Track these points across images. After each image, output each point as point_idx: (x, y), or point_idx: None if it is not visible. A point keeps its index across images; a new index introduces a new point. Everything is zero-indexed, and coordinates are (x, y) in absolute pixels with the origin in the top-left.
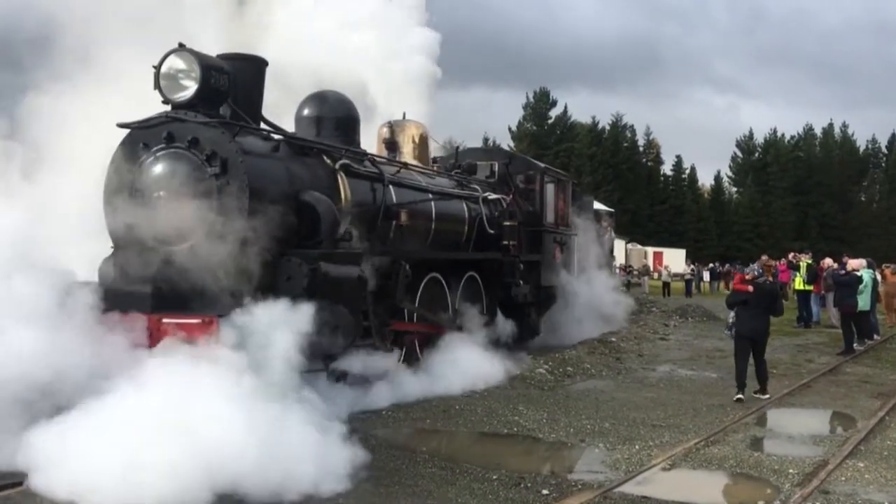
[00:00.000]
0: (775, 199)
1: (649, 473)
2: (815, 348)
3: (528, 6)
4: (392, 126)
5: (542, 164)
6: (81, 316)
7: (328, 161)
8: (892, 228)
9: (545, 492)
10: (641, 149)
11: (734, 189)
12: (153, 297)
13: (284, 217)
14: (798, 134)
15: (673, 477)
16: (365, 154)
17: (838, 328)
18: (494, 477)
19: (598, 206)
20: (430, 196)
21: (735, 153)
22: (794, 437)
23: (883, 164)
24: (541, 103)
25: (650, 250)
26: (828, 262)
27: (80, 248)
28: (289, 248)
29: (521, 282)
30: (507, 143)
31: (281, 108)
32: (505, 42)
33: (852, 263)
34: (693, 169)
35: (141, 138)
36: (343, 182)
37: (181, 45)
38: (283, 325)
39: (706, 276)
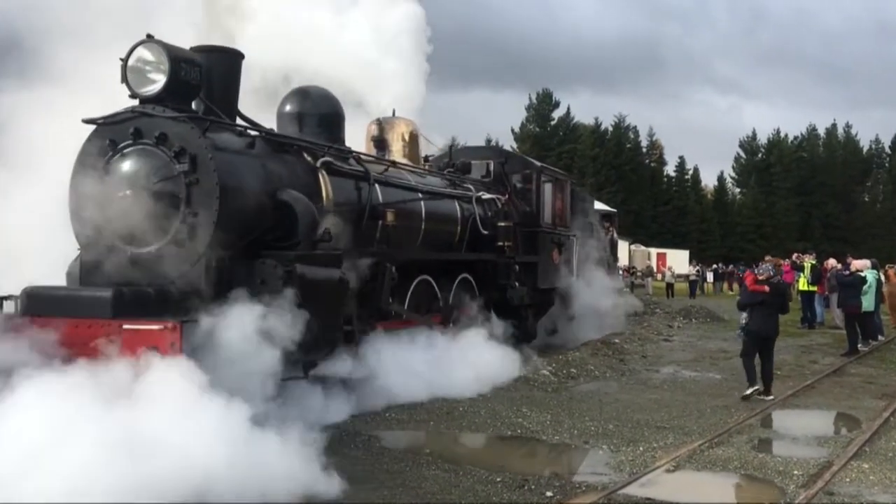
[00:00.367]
0: (779, 200)
1: (653, 475)
2: (820, 349)
3: (529, 7)
4: (381, 123)
5: (539, 163)
6: None
7: (309, 159)
8: (895, 229)
9: (549, 494)
10: (644, 150)
11: (737, 190)
12: (114, 301)
13: (259, 217)
14: (801, 134)
15: (677, 479)
16: (350, 151)
17: (842, 329)
18: (498, 479)
19: (599, 206)
20: (420, 195)
21: (738, 154)
22: (798, 439)
23: (886, 165)
24: (543, 104)
25: (653, 251)
26: (831, 262)
27: (48, 250)
28: (264, 249)
29: (517, 284)
30: (509, 144)
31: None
32: (507, 43)
33: (856, 264)
34: (696, 170)
35: (107, 134)
36: (324, 180)
37: (149, 37)
38: (253, 330)
39: (710, 276)
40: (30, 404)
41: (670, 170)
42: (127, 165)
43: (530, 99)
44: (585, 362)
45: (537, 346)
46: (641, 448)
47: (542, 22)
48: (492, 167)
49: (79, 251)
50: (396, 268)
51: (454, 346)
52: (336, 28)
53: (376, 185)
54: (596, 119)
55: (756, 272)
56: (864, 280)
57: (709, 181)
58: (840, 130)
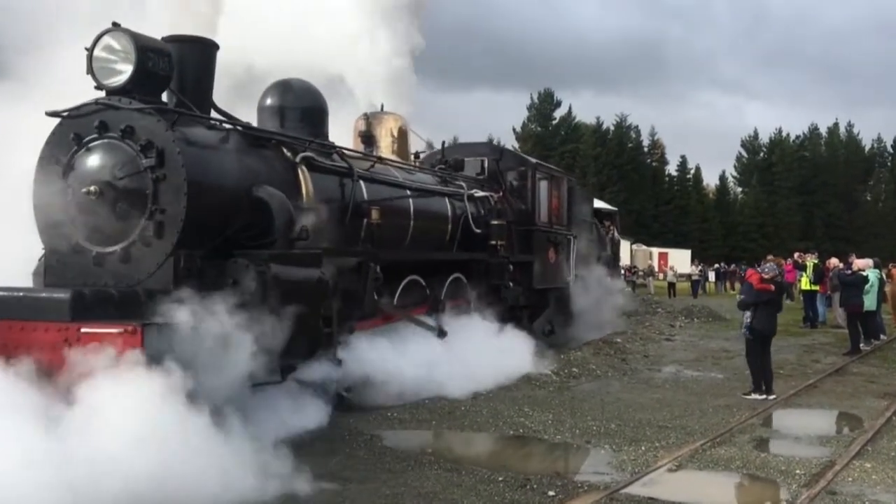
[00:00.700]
0: (780, 199)
1: (655, 474)
2: (822, 348)
3: (531, 7)
4: (368, 118)
5: (534, 160)
6: None
7: (288, 154)
8: None
9: (551, 493)
10: (646, 149)
11: (739, 189)
12: (73, 303)
13: (232, 214)
14: (803, 134)
15: (679, 478)
16: (333, 147)
17: (844, 328)
18: (500, 478)
19: (600, 204)
20: (408, 193)
21: (740, 153)
22: (800, 438)
23: (888, 164)
24: (545, 104)
25: (655, 251)
26: (833, 261)
27: (14, 249)
28: (238, 248)
29: (511, 284)
30: (511, 144)
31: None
32: (509, 43)
33: (858, 263)
34: (698, 169)
35: (72, 128)
36: (305, 176)
37: (115, 25)
38: (222, 333)
39: (711, 276)
40: None
41: (672, 169)
42: (92, 160)
43: (532, 98)
44: (587, 362)
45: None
46: (643, 447)
47: (544, 21)
48: (486, 164)
49: (44, 251)
50: (382, 267)
51: (440, 345)
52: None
53: (361, 182)
54: (597, 119)
55: (761, 271)
56: (866, 279)
57: (710, 181)
58: (842, 129)
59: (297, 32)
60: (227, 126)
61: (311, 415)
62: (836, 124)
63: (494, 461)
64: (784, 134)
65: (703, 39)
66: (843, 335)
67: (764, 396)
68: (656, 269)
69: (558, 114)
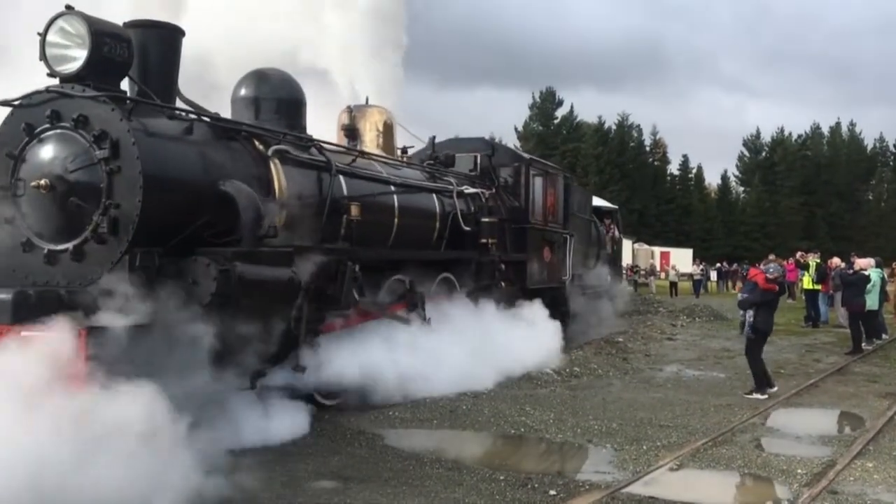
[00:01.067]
0: (783, 199)
1: (657, 474)
2: (823, 348)
3: (533, 6)
4: (352, 111)
5: (528, 156)
6: None
7: (260, 147)
8: None
9: (552, 492)
10: (648, 148)
11: (741, 188)
12: (14, 304)
13: (195, 210)
14: (805, 133)
15: (681, 477)
16: (311, 140)
17: (846, 328)
18: (501, 477)
19: (600, 202)
20: (393, 189)
21: (742, 152)
22: (802, 438)
23: (891, 163)
24: (547, 103)
25: (657, 250)
26: (835, 261)
27: None
28: (201, 246)
29: (503, 284)
30: (513, 142)
31: None
32: (511, 42)
33: (860, 263)
34: (700, 168)
35: (24, 118)
36: (277, 170)
37: (69, 8)
38: (177, 337)
39: (713, 275)
40: None
41: (674, 168)
42: (44, 152)
43: (534, 97)
44: (589, 361)
45: None
46: (645, 446)
47: (546, 20)
48: (478, 160)
49: None
50: (362, 266)
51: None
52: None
53: (340, 177)
54: (599, 118)
55: (766, 271)
56: (868, 279)
57: (712, 180)
58: (844, 129)
59: (279, 22)
60: (192, 116)
61: (286, 422)
62: (838, 123)
63: (496, 460)
64: (786, 133)
65: (705, 38)
66: (845, 335)
67: (766, 395)
68: (658, 268)
69: (560, 112)
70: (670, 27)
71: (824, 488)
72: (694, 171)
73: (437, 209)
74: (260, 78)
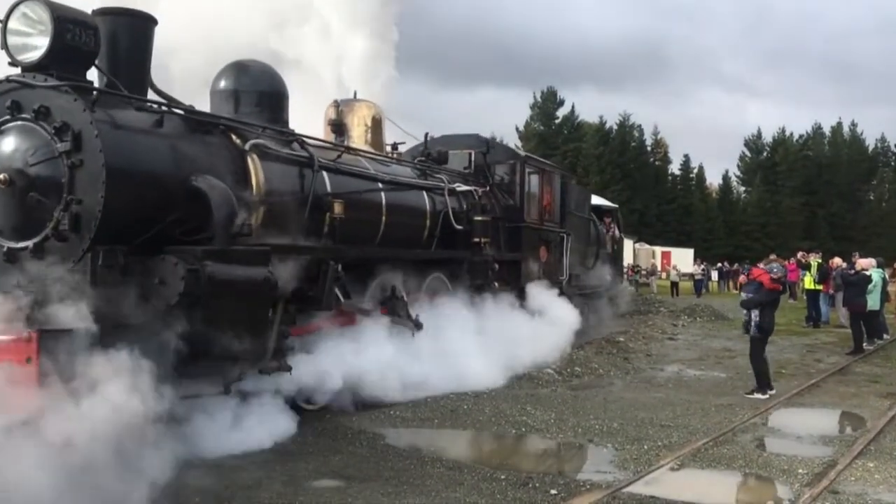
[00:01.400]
0: (784, 199)
1: (658, 473)
2: (825, 348)
3: (534, 5)
4: (339, 105)
5: (524, 153)
6: None
7: (237, 141)
8: None
9: (553, 492)
10: (649, 148)
11: (742, 188)
12: None
13: (164, 206)
14: (807, 133)
15: (681, 477)
16: (293, 134)
17: (847, 328)
18: (502, 477)
19: (599, 201)
20: (380, 185)
21: (743, 152)
22: (803, 437)
23: (892, 163)
24: (548, 103)
25: (658, 250)
26: (837, 261)
27: None
28: (170, 244)
29: (496, 284)
30: (514, 142)
31: None
32: (512, 42)
33: (862, 263)
34: (701, 168)
35: None
36: (255, 166)
37: None
38: (137, 341)
39: (714, 275)
40: None
41: (675, 168)
42: (4, 145)
43: (535, 97)
44: (590, 361)
45: None
46: (646, 446)
47: (547, 20)
48: (473, 157)
49: None
50: (347, 266)
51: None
52: None
53: (324, 173)
54: (601, 117)
55: (769, 270)
56: (869, 279)
57: (713, 180)
58: (846, 129)
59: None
60: (164, 108)
61: (265, 429)
62: (839, 123)
63: (496, 459)
64: (787, 133)
65: (706, 37)
66: (846, 335)
67: (767, 395)
68: (659, 268)
69: (561, 112)
70: (671, 27)
71: (825, 488)
72: (695, 171)
73: (428, 207)
74: (240, 70)
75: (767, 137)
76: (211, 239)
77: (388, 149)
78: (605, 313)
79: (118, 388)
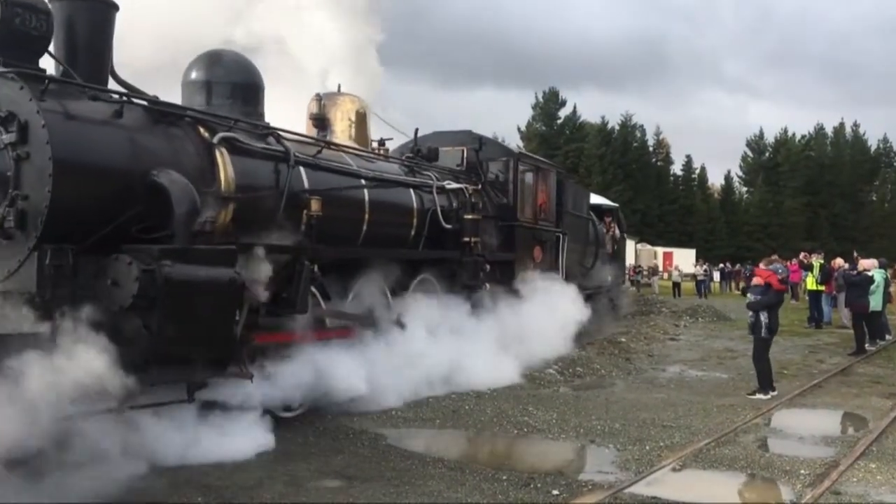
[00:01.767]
0: (786, 199)
1: (659, 474)
2: (827, 349)
3: (536, 5)
4: (321, 99)
5: (518, 150)
6: None
7: (206, 134)
8: None
9: (555, 492)
10: (651, 149)
11: (744, 189)
12: None
13: (120, 202)
14: (809, 133)
15: (683, 477)
16: (268, 128)
17: (849, 328)
18: (504, 477)
19: (599, 200)
20: (363, 182)
21: (745, 153)
22: (805, 438)
23: (894, 164)
24: (550, 103)
25: (660, 250)
26: (839, 261)
27: None
28: (128, 243)
29: (488, 285)
30: (516, 143)
31: None
32: (513, 42)
33: (864, 263)
34: (703, 169)
35: None
36: (223, 160)
37: None
38: (82, 346)
39: (716, 276)
40: None
41: (677, 169)
42: None
43: (537, 98)
44: (591, 361)
45: None
46: (647, 447)
47: (548, 20)
48: (465, 154)
49: None
50: (324, 267)
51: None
52: None
53: (301, 169)
54: (602, 118)
55: (776, 271)
56: (871, 279)
57: (716, 180)
58: (848, 129)
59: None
60: (122, 99)
61: (236, 439)
62: (841, 124)
63: (498, 460)
64: (790, 134)
65: (708, 38)
66: (849, 335)
67: (769, 396)
68: (661, 268)
69: (563, 113)
70: (672, 27)
71: (827, 489)
72: (697, 171)
73: (415, 205)
74: (212, 60)
75: (769, 138)
76: (172, 237)
77: (375, 145)
78: (605, 315)
79: (65, 393)
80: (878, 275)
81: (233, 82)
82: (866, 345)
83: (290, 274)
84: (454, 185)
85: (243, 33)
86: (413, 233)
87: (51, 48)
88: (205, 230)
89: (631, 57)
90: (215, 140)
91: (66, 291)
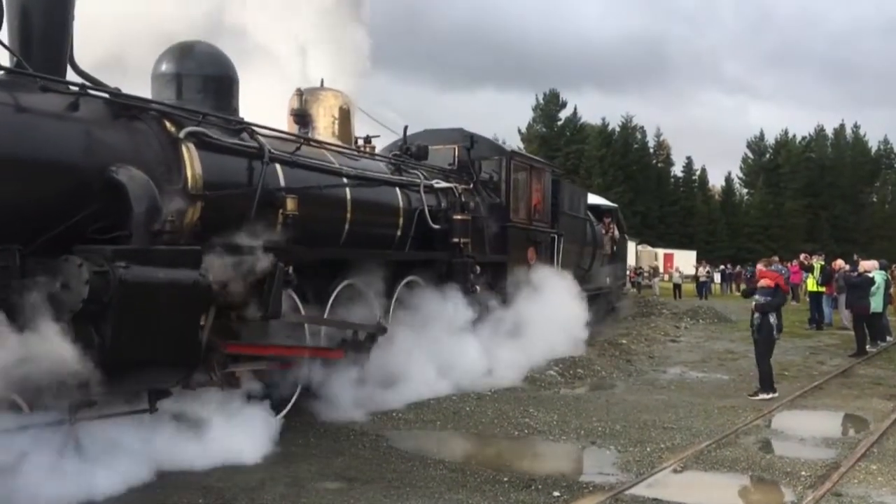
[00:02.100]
0: (786, 201)
1: (660, 475)
2: (827, 350)
3: (535, 7)
4: (303, 94)
5: (510, 148)
6: None
7: (172, 128)
8: None
9: (556, 494)
10: (652, 150)
11: (745, 190)
12: None
13: (73, 200)
14: (809, 135)
15: (684, 479)
16: (241, 123)
17: (850, 330)
18: (505, 479)
19: (598, 200)
20: (345, 181)
21: (746, 154)
22: (805, 440)
23: (895, 165)
24: (550, 105)
25: (660, 252)
26: (840, 263)
27: None
28: (83, 243)
29: (478, 288)
30: (516, 144)
31: None
32: (513, 43)
33: (864, 265)
34: (703, 170)
35: None
36: (190, 156)
37: None
38: (33, 351)
39: (717, 277)
40: None
41: (677, 170)
42: None
43: (537, 99)
44: (592, 363)
45: None
46: (648, 448)
47: (548, 21)
48: (457, 153)
49: None
50: (299, 269)
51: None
52: None
53: (277, 166)
54: (603, 119)
55: (779, 272)
56: (872, 281)
57: (716, 182)
58: (848, 131)
59: None
60: (77, 91)
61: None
62: (842, 125)
63: (499, 461)
64: (790, 135)
65: (708, 39)
66: (849, 337)
67: (770, 397)
68: (661, 270)
69: (563, 114)
70: (672, 28)
71: (828, 490)
72: (698, 173)
73: (401, 205)
74: (183, 52)
75: (770, 139)
76: (130, 237)
77: (361, 142)
78: (603, 318)
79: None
80: (878, 276)
81: (204, 75)
82: (867, 346)
83: (263, 276)
84: (443, 185)
85: (219, 20)
86: (399, 233)
87: (2, 37)
88: (166, 230)
89: (631, 58)
90: (182, 135)
91: (13, 294)
